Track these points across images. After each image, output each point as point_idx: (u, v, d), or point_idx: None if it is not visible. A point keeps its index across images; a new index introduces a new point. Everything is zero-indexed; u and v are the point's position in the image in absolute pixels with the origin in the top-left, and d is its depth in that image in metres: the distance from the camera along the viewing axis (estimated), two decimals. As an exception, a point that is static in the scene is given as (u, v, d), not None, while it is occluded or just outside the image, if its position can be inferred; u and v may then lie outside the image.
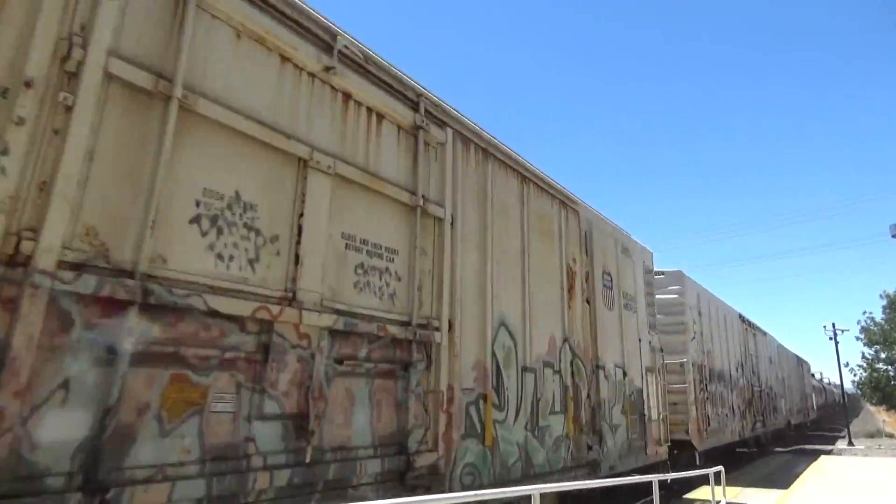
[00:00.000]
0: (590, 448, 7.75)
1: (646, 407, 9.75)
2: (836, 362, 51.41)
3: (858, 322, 44.21)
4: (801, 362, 33.91)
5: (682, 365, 12.70)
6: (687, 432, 12.25)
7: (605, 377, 8.47)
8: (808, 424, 34.45)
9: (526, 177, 7.39)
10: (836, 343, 35.65)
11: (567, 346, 7.62)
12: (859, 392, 53.18)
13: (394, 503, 3.70)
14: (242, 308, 3.73)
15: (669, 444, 10.42)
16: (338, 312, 4.44)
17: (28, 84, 2.92)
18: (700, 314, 14.36)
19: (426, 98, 5.77)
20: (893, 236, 20.70)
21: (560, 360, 7.43)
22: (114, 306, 3.13)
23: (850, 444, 28.80)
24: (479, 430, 5.73)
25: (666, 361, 11.45)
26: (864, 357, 44.69)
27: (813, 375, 48.75)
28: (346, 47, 4.94)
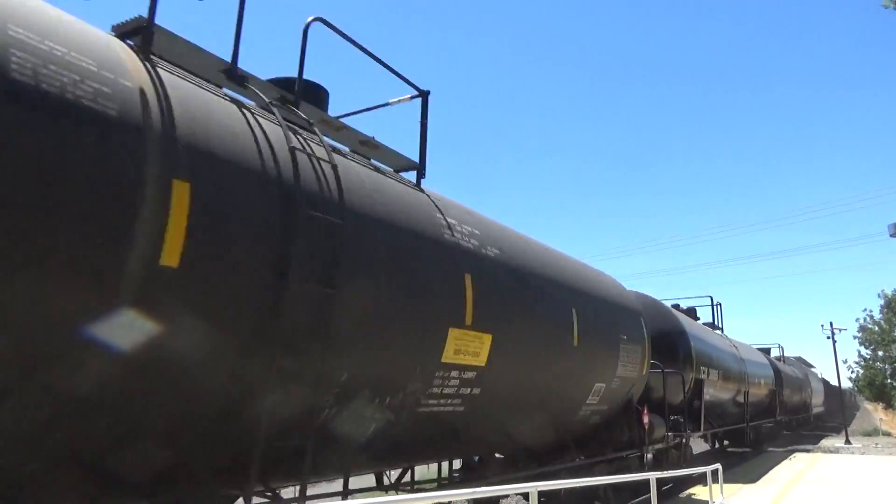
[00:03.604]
0: None
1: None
2: (834, 361, 51.40)
3: (857, 320, 44.34)
4: None
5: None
6: None
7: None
8: None
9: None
10: (834, 342, 35.69)
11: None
12: (855, 389, 53.07)
13: (394, 500, 3.74)
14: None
15: None
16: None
17: None
18: None
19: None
20: (892, 236, 20.65)
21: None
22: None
23: (848, 442, 28.85)
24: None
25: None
26: (860, 355, 44.86)
27: (778, 358, 30.80)
28: None
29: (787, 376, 27.66)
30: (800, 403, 32.82)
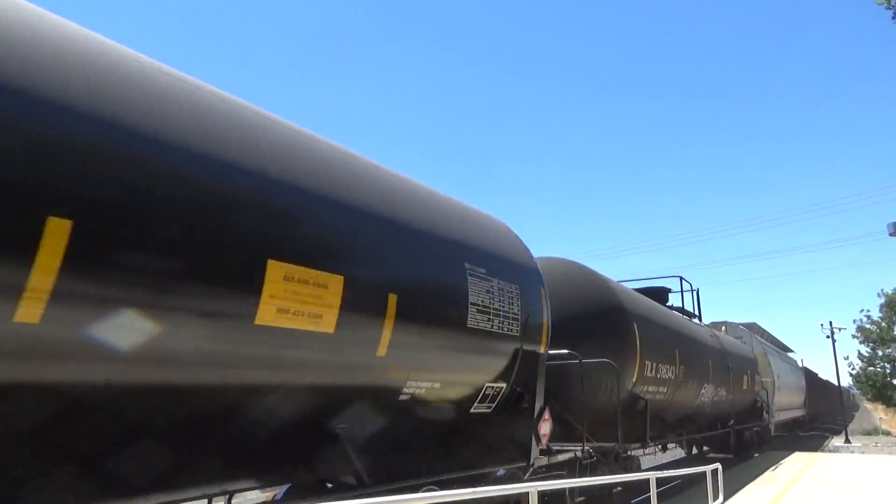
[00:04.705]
0: None
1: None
2: (834, 360, 51.45)
3: (855, 321, 44.42)
4: None
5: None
6: None
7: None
8: None
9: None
10: (834, 341, 35.73)
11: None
12: (855, 387, 53.05)
13: (394, 500, 3.73)
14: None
15: None
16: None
17: None
18: None
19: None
20: (891, 235, 20.65)
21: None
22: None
23: (847, 441, 28.87)
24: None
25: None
26: (860, 355, 44.91)
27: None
28: None
29: (658, 328, 11.34)
30: (728, 407, 16.17)
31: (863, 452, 23.24)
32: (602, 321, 9.43)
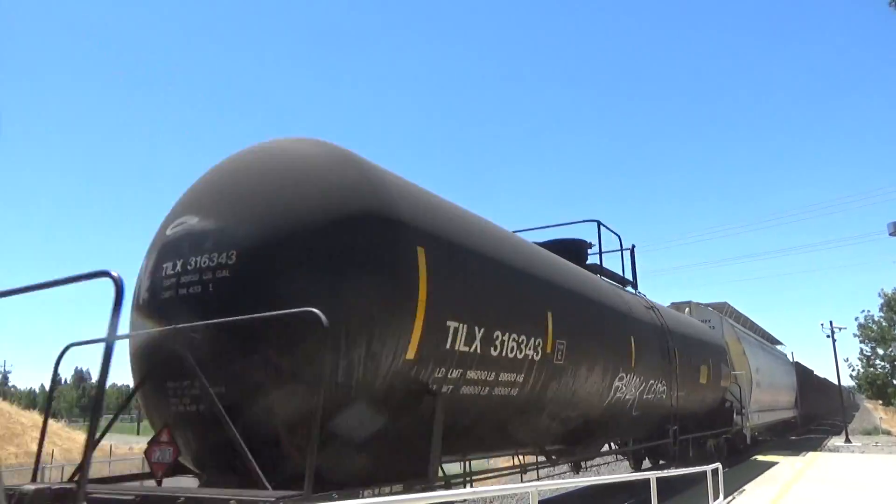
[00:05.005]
0: None
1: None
2: (834, 360, 51.45)
3: (856, 319, 44.57)
4: None
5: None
6: None
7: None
8: None
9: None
10: (834, 341, 35.80)
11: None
12: (855, 387, 53.15)
13: (394, 500, 3.74)
14: None
15: None
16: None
17: None
18: None
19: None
20: (891, 234, 20.66)
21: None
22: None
23: (847, 441, 28.92)
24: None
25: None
26: (862, 353, 45.04)
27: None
28: None
29: (494, 266, 6.28)
30: (670, 406, 11.04)
31: (863, 452, 23.28)
32: (348, 240, 4.58)
